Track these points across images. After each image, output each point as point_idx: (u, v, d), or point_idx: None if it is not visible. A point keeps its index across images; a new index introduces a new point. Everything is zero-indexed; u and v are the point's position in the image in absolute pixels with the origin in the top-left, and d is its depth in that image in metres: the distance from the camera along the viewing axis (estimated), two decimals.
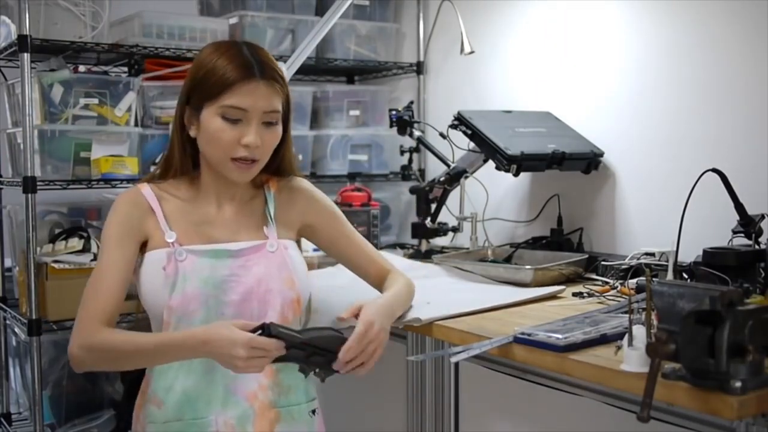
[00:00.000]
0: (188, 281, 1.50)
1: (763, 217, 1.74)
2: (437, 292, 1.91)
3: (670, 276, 1.82)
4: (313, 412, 1.63)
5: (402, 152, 2.88)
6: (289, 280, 1.56)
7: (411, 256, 2.50)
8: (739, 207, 1.74)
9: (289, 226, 1.65)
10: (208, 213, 1.59)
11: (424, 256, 2.49)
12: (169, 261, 1.51)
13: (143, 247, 1.57)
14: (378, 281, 1.72)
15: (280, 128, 1.56)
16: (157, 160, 2.45)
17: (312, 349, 1.42)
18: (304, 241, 1.76)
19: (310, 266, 1.75)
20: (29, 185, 2.24)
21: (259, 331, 1.36)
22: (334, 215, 1.72)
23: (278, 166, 1.65)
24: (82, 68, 2.50)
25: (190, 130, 1.56)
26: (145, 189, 1.58)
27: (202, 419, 1.51)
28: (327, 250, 1.76)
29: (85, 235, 2.38)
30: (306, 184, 1.72)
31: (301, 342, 1.39)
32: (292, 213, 1.66)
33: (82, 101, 2.41)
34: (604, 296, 1.88)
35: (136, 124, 2.50)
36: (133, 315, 2.29)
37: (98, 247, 2.33)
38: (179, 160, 1.60)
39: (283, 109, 1.56)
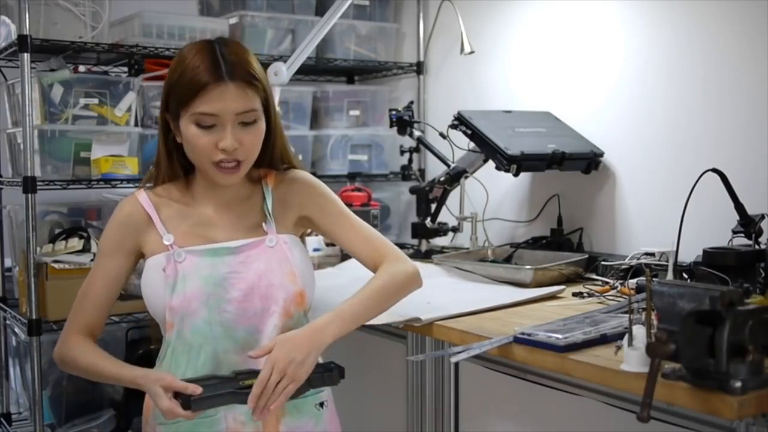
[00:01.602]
0: (188, 281, 1.50)
1: (763, 217, 1.74)
2: (437, 292, 1.91)
3: (670, 276, 1.82)
4: (321, 404, 1.62)
5: (402, 152, 2.88)
6: (291, 273, 1.55)
7: (411, 256, 2.49)
8: (739, 207, 1.75)
9: (288, 220, 1.64)
10: (205, 214, 1.59)
11: (424, 256, 2.49)
12: (169, 262, 1.51)
13: (144, 255, 1.58)
14: (373, 266, 1.65)
15: (261, 125, 1.53)
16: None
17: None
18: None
19: None
20: (29, 185, 2.24)
21: (180, 399, 1.41)
22: (328, 201, 1.67)
23: (272, 158, 1.63)
24: (82, 68, 2.50)
25: (177, 136, 1.54)
26: (142, 196, 1.58)
27: (212, 417, 1.52)
28: (325, 237, 1.75)
29: (85, 235, 2.38)
30: (301, 174, 1.68)
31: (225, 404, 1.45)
32: (289, 206, 1.64)
33: (82, 101, 2.41)
34: (604, 296, 1.88)
35: (136, 124, 2.50)
36: (138, 315, 2.30)
37: (98, 247, 2.34)
38: (166, 168, 1.59)
39: (262, 104, 1.53)
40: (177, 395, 1.41)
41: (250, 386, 1.42)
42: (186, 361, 1.52)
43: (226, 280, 1.52)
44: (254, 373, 1.44)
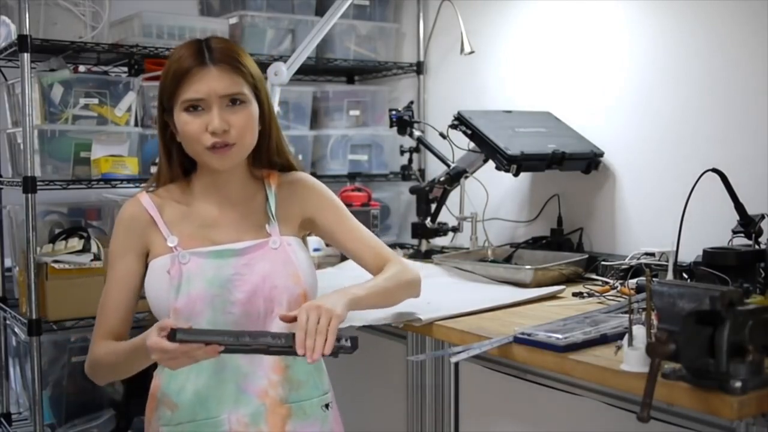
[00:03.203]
0: (193, 283, 1.50)
1: (763, 217, 1.74)
2: (437, 292, 1.91)
3: (670, 276, 1.82)
4: (327, 406, 1.62)
5: (402, 152, 2.88)
6: (295, 275, 1.55)
7: (411, 256, 2.50)
8: (739, 207, 1.75)
9: (291, 222, 1.64)
10: (209, 215, 1.59)
11: (424, 256, 2.48)
12: (173, 264, 1.51)
13: (149, 257, 1.57)
14: (376, 270, 1.67)
15: (250, 109, 1.53)
16: (156, 161, 2.45)
17: (247, 348, 1.36)
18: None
19: None
20: (29, 185, 2.24)
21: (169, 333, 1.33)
22: (332, 205, 1.69)
23: (268, 151, 1.63)
24: (82, 68, 2.50)
25: (177, 135, 1.55)
26: (144, 198, 1.58)
27: (215, 418, 1.52)
28: (327, 240, 1.75)
29: (85, 235, 2.37)
30: (304, 176, 1.69)
31: (218, 342, 1.33)
32: (293, 208, 1.65)
33: (82, 101, 2.41)
34: (604, 296, 1.88)
35: (136, 124, 2.50)
36: (138, 315, 2.29)
37: (98, 247, 2.34)
38: (166, 169, 1.60)
39: (252, 91, 1.53)
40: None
41: (247, 343, 1.35)
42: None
43: (231, 281, 1.52)
44: (261, 334, 1.37)
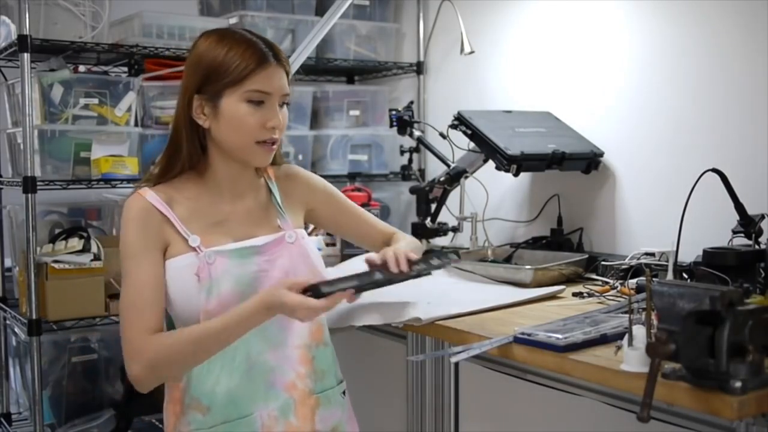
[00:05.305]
0: (222, 283, 1.49)
1: (763, 217, 1.74)
2: (437, 292, 1.91)
3: (670, 276, 1.82)
4: (344, 393, 1.66)
5: (402, 152, 2.88)
6: (312, 267, 1.59)
7: None
8: (739, 207, 1.75)
9: (296, 215, 1.67)
10: (222, 210, 1.57)
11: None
12: (201, 265, 1.49)
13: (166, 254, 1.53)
14: (383, 245, 1.73)
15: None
16: (157, 160, 2.44)
17: (375, 283, 1.54)
18: None
19: None
20: (29, 185, 2.24)
21: (309, 292, 1.42)
22: (330, 193, 1.75)
23: None
24: (82, 68, 2.50)
25: (200, 120, 1.52)
26: (149, 195, 1.53)
27: (248, 416, 1.51)
28: (330, 229, 1.81)
29: (85, 235, 2.37)
30: (297, 169, 1.74)
31: (354, 287, 1.47)
32: (294, 200, 1.68)
33: (82, 101, 2.42)
34: (604, 296, 1.88)
35: (136, 124, 2.50)
36: None
37: (98, 247, 2.33)
38: (188, 154, 1.55)
39: None
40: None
41: (377, 279, 1.53)
42: (221, 365, 1.50)
43: (256, 279, 1.52)
44: (373, 272, 1.55)
